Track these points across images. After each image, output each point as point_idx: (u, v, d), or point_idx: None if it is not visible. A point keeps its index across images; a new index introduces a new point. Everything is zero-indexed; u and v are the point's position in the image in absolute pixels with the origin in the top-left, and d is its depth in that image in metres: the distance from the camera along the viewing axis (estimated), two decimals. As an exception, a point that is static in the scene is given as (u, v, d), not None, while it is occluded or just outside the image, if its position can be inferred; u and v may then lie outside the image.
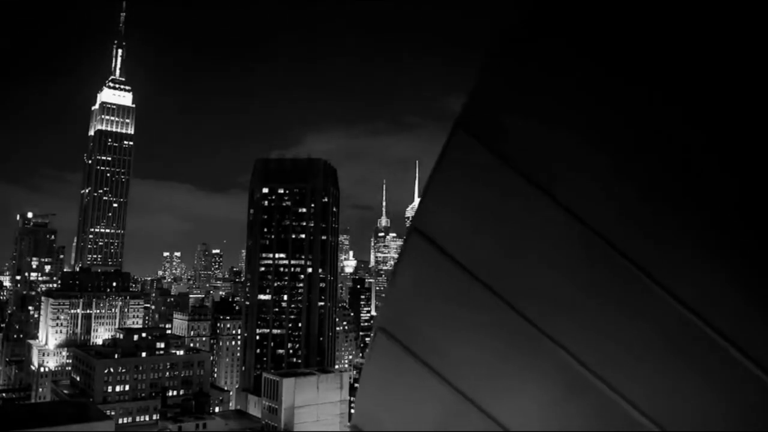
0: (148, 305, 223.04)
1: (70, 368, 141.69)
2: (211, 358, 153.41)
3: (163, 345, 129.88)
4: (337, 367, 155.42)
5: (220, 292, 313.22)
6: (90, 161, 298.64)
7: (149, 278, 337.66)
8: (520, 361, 2.49)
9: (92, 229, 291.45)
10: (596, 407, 2.42)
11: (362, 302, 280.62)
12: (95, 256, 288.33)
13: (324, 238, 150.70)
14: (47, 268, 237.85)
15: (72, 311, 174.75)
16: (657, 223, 2.28)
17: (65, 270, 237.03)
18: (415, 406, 2.71)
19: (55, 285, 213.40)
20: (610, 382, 2.38)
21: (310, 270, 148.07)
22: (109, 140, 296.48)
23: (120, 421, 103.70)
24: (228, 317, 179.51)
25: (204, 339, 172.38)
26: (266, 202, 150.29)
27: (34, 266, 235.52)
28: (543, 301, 2.42)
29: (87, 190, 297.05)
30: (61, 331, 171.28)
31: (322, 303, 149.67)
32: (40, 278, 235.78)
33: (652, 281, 2.27)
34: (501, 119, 2.30)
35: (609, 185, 2.29)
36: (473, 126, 2.30)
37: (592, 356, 2.38)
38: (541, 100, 2.31)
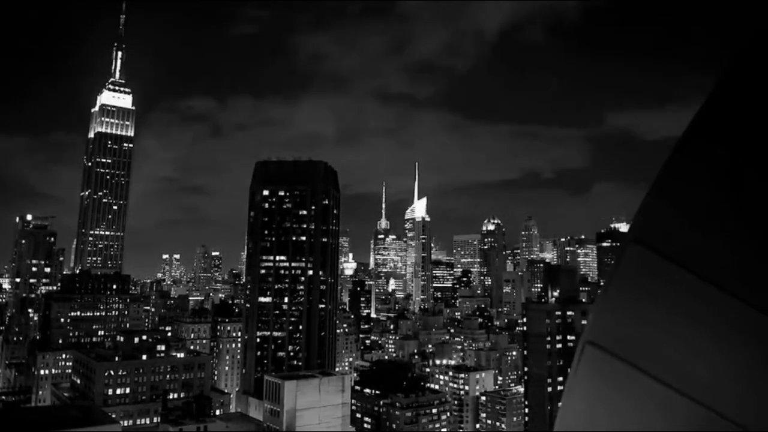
0: (148, 308, 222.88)
1: (70, 371, 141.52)
2: (212, 360, 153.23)
3: (163, 348, 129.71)
4: (338, 369, 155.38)
5: (220, 295, 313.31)
6: (90, 163, 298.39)
7: (149, 280, 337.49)
8: None
9: (92, 232, 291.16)
10: None
11: (362, 304, 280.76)
12: (95, 258, 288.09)
13: (324, 240, 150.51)
14: (47, 270, 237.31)
15: (72, 314, 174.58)
16: None
17: (65, 272, 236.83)
18: (640, 418, 2.56)
19: (54, 287, 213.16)
20: None
21: (310, 272, 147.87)
22: (109, 142, 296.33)
23: (120, 424, 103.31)
24: (228, 320, 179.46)
25: (204, 341, 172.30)
26: (267, 204, 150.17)
27: (33, 269, 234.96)
28: None
29: (86, 193, 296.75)
30: (61, 334, 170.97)
31: (323, 305, 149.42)
32: (40, 281, 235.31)
33: None
34: (736, 123, 2.16)
35: None
36: (710, 135, 2.17)
37: None
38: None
